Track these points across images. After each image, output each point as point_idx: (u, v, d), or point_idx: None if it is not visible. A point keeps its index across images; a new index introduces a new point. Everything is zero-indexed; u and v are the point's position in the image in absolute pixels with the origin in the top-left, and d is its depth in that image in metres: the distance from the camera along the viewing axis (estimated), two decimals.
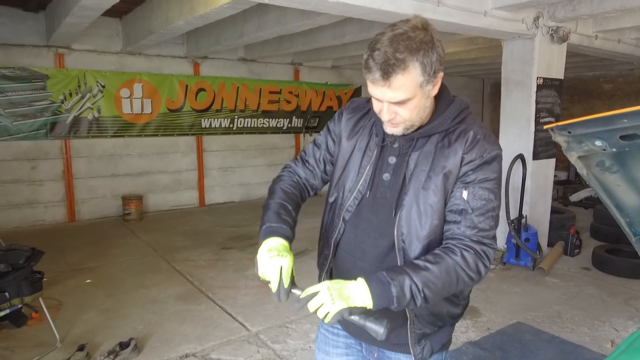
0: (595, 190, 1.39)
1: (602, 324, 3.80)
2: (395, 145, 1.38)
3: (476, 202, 1.28)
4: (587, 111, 10.66)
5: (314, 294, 1.17)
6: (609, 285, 4.68)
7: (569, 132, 1.23)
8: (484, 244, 1.28)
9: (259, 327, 3.70)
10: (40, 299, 3.32)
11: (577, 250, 5.62)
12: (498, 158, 1.31)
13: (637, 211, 1.42)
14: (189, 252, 5.70)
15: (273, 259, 1.25)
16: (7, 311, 3.13)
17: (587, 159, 1.30)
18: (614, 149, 1.15)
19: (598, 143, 1.17)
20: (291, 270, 1.26)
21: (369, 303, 1.17)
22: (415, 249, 1.32)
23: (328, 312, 1.15)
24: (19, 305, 3.21)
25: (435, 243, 1.33)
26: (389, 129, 1.33)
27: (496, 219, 1.32)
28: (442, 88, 1.32)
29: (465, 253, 1.25)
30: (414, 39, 1.17)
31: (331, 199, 1.51)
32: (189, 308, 4.05)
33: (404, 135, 1.34)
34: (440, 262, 1.23)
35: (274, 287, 1.23)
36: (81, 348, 3.17)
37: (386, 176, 1.38)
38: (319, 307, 1.16)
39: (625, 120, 1.02)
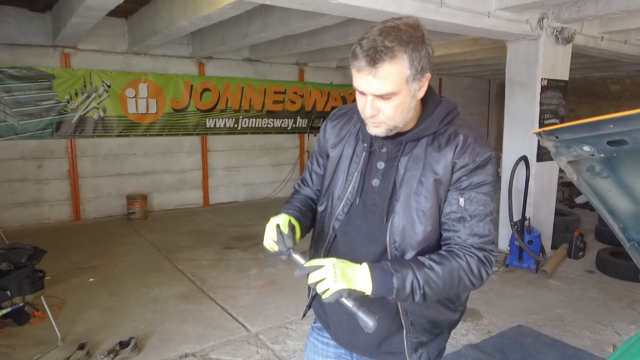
0: (587, 195, 1.38)
1: (604, 328, 3.77)
2: (384, 150, 1.35)
3: (474, 208, 1.26)
4: (594, 112, 10.58)
5: (318, 267, 1.17)
6: (612, 288, 4.64)
7: (557, 137, 1.22)
8: (485, 250, 1.28)
9: (258, 327, 3.71)
10: (42, 297, 3.35)
11: (581, 253, 5.57)
12: (491, 160, 1.29)
13: (630, 217, 1.41)
14: (192, 251, 5.72)
15: (270, 222, 1.33)
16: (9, 309, 3.17)
17: (577, 164, 1.29)
18: (602, 155, 1.14)
19: (586, 148, 1.16)
20: (288, 222, 1.32)
21: (368, 289, 1.17)
22: (409, 256, 1.30)
23: (328, 289, 1.15)
24: (21, 304, 3.24)
25: (430, 249, 1.30)
26: (371, 129, 1.29)
27: (494, 223, 1.31)
28: (429, 90, 1.29)
29: (469, 259, 1.25)
30: (404, 32, 1.15)
31: (321, 208, 1.48)
32: (190, 308, 4.07)
33: (392, 139, 1.31)
34: (445, 263, 1.23)
35: (267, 239, 1.31)
36: (82, 347, 3.20)
37: (375, 182, 1.35)
38: (319, 281, 1.16)
39: (612, 126, 1.01)
